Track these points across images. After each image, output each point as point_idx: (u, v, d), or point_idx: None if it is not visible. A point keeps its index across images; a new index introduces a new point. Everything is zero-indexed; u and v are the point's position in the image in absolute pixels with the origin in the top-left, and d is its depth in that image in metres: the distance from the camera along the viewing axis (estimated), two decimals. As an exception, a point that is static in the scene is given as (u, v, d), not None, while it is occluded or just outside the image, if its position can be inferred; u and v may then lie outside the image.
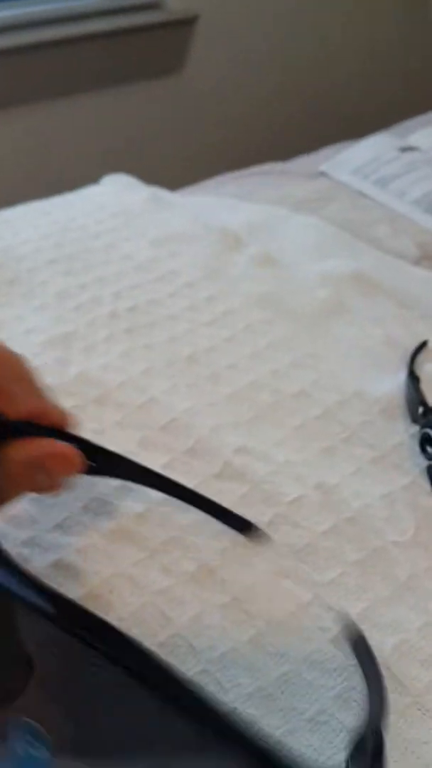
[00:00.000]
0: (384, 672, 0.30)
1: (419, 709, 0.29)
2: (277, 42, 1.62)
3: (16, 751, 0.23)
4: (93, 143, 1.46)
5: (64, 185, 0.76)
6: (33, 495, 0.35)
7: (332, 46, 1.69)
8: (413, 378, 0.41)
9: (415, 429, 0.40)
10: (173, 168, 1.34)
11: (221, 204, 0.68)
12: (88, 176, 0.77)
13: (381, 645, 0.31)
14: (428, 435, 0.37)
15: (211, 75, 1.57)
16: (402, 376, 0.43)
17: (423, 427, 0.37)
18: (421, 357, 0.45)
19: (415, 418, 0.39)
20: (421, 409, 0.38)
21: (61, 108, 1.42)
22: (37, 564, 0.34)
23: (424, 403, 0.38)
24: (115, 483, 0.38)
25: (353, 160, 0.76)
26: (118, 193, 0.69)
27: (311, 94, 1.71)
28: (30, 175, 1.37)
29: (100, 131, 1.48)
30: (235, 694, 0.29)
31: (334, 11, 1.65)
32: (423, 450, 0.37)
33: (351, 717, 0.29)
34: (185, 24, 1.50)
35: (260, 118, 1.66)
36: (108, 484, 0.38)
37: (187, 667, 0.30)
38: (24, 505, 0.36)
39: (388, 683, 0.30)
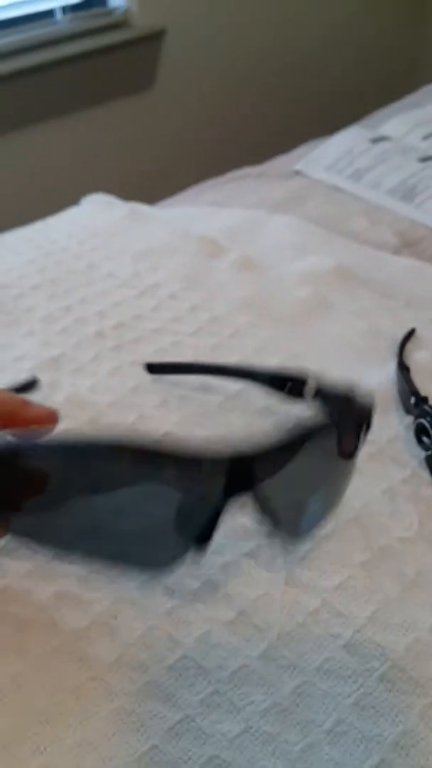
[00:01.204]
0: (399, 675, 0.29)
1: (439, 710, 0.28)
2: (245, 49, 1.62)
3: None
4: (70, 165, 1.46)
5: (46, 209, 0.75)
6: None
7: (300, 50, 1.70)
8: (403, 368, 0.40)
9: (410, 420, 0.39)
10: (152, 182, 1.34)
11: (200, 213, 0.68)
12: (69, 198, 0.76)
13: (394, 647, 0.30)
14: (423, 425, 0.36)
15: (182, 87, 1.57)
16: (391, 367, 0.42)
17: (417, 417, 0.36)
18: (409, 346, 0.44)
19: (408, 409, 0.38)
20: (413, 400, 0.37)
21: (36, 134, 1.42)
22: (39, 594, 0.33)
23: (415, 393, 0.38)
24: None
25: (326, 156, 0.75)
26: (97, 212, 0.69)
27: (282, 96, 1.71)
28: (10, 202, 1.37)
29: (76, 153, 1.48)
30: (249, 711, 0.29)
31: (300, 17, 1.65)
32: (419, 441, 0.37)
33: (371, 725, 0.28)
34: (153, 39, 1.50)
35: (234, 125, 1.66)
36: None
37: (197, 689, 0.29)
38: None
39: (405, 686, 0.29)
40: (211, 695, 0.29)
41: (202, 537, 0.28)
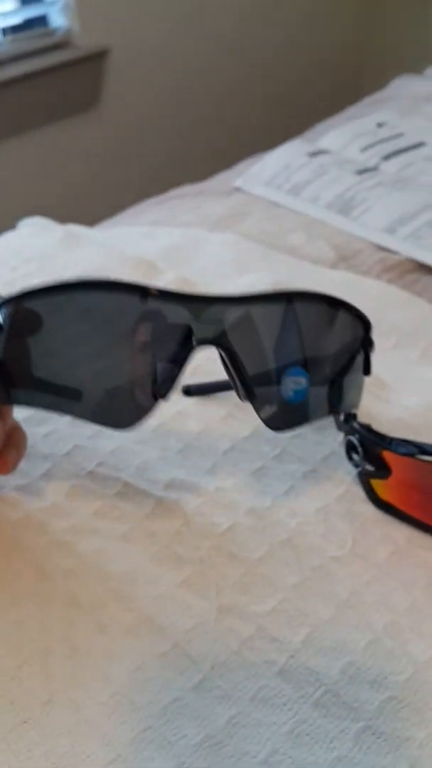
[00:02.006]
0: (333, 700, 0.29)
1: (373, 734, 0.28)
2: (189, 68, 1.63)
3: None
4: (14, 188, 1.45)
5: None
6: None
7: (244, 67, 1.71)
8: (336, 384, 0.40)
9: (342, 437, 0.39)
10: (97, 202, 1.34)
11: (137, 233, 0.68)
12: (13, 221, 0.75)
13: (327, 671, 0.30)
14: (352, 442, 0.36)
15: (126, 106, 1.57)
16: (326, 384, 0.42)
17: (347, 434, 0.36)
18: (344, 361, 0.44)
19: (339, 427, 0.38)
20: (342, 416, 0.37)
21: (-22, 157, 1.41)
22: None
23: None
24: (41, 540, 0.36)
25: (265, 172, 0.75)
26: (32, 236, 0.68)
27: (227, 113, 1.72)
28: None
29: (19, 175, 1.47)
30: (181, 746, 0.28)
31: (244, 33, 1.67)
32: (350, 458, 0.37)
33: (305, 753, 0.28)
34: (96, 59, 1.50)
35: (178, 143, 1.67)
36: (34, 541, 0.36)
37: (130, 725, 0.29)
38: None
39: (339, 711, 0.28)
40: (144, 731, 0.29)
41: (166, 385, 0.32)
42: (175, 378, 0.31)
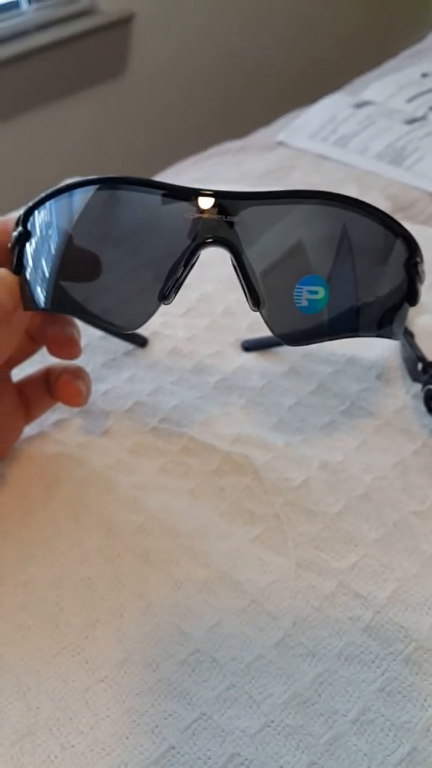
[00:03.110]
0: (425, 656, 0.27)
1: (470, 691, 0.26)
2: (216, 29, 1.59)
3: None
4: (45, 158, 1.44)
5: (20, 203, 0.73)
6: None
7: (273, 27, 1.66)
8: (408, 334, 0.38)
9: (417, 388, 0.37)
10: (130, 169, 1.32)
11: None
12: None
13: (417, 627, 0.28)
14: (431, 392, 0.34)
15: (154, 71, 1.54)
16: (394, 335, 0.40)
17: (425, 384, 0.35)
18: (411, 312, 0.42)
19: (415, 377, 0.36)
20: (420, 366, 0.35)
21: (7, 128, 1.39)
22: (39, 588, 0.31)
23: (422, 358, 0.36)
24: (107, 497, 0.35)
25: (309, 124, 0.73)
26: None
27: (258, 74, 1.68)
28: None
29: (50, 145, 1.45)
30: (269, 705, 0.27)
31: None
32: (429, 409, 0.35)
33: (398, 711, 0.26)
34: (122, 24, 1.47)
35: (210, 103, 1.63)
36: (100, 499, 0.35)
37: (212, 684, 0.28)
38: None
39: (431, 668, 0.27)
40: (228, 690, 0.28)
41: (171, 286, 0.30)
42: (180, 278, 0.30)
